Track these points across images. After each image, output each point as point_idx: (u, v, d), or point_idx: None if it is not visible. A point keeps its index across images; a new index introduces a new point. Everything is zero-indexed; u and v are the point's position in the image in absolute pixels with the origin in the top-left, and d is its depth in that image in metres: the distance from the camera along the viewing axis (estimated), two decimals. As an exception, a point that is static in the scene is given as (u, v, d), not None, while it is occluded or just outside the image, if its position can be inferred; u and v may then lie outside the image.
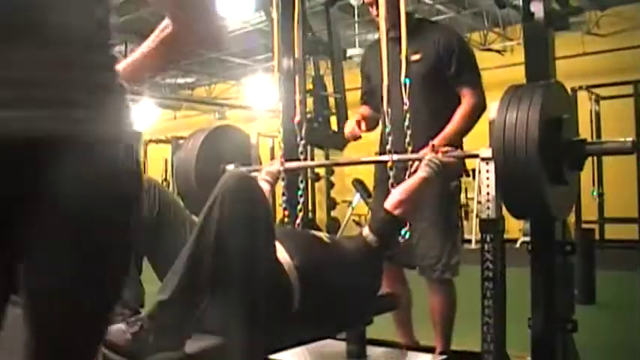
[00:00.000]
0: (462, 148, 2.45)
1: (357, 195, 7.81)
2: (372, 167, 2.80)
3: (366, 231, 2.02)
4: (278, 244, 1.81)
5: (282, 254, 1.79)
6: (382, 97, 2.30)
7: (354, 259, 1.97)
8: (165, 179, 12.22)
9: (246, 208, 1.56)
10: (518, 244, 7.62)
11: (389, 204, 2.04)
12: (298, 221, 2.46)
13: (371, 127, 2.67)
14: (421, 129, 2.32)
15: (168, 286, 1.54)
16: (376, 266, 2.06)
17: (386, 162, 2.23)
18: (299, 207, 2.46)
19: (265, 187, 2.37)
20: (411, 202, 2.10)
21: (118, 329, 1.51)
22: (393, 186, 2.17)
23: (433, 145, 2.17)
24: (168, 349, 1.51)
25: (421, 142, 2.26)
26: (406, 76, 2.29)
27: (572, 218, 6.25)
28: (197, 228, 1.58)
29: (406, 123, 2.17)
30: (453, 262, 2.46)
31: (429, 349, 2.50)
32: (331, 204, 8.23)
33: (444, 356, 2.38)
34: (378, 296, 2.16)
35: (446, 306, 2.51)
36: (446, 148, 2.14)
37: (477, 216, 9.01)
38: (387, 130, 2.20)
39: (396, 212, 2.03)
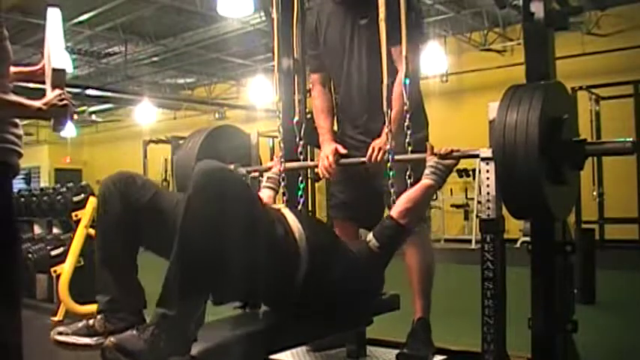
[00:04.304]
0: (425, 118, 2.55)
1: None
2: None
3: (370, 236, 2.01)
4: (292, 216, 1.85)
5: (294, 224, 1.82)
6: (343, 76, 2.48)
7: (357, 256, 1.97)
8: (165, 179, 12.22)
9: (218, 202, 1.54)
10: (518, 244, 7.62)
11: (395, 212, 2.02)
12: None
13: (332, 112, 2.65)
14: (375, 98, 2.26)
15: (172, 300, 1.53)
16: (377, 271, 2.05)
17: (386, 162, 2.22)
18: (299, 207, 2.46)
19: (269, 193, 2.39)
20: (418, 211, 2.09)
21: (132, 336, 1.50)
22: (392, 186, 2.17)
23: (433, 147, 2.15)
24: (176, 354, 1.52)
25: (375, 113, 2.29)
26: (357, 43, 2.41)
27: (572, 218, 6.25)
28: (178, 233, 1.55)
29: (406, 123, 2.16)
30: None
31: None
32: (331, 204, 8.21)
33: (444, 356, 2.38)
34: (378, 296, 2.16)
35: (422, 258, 2.44)
36: (445, 150, 2.12)
37: (477, 216, 9.02)
38: (386, 129, 2.19)
39: (403, 222, 2.01)
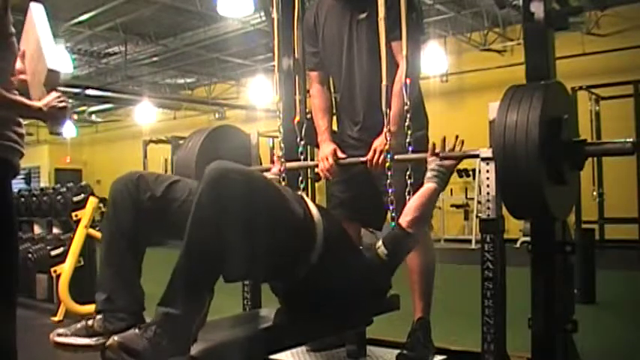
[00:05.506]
0: (426, 117, 2.54)
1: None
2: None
3: (379, 244, 2.00)
4: (312, 203, 1.88)
5: (314, 210, 1.84)
6: (343, 76, 2.50)
7: (367, 259, 1.98)
8: (165, 179, 12.20)
9: (228, 200, 1.54)
10: (518, 244, 7.62)
11: (405, 221, 2.02)
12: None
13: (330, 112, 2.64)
14: (375, 95, 2.24)
15: (176, 298, 1.53)
16: (384, 277, 2.06)
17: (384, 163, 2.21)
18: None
19: None
20: (426, 217, 2.10)
21: (134, 334, 1.50)
22: (390, 186, 2.16)
23: (434, 147, 2.15)
24: (178, 354, 1.52)
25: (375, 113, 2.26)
26: (356, 38, 2.43)
27: (572, 218, 6.25)
28: (187, 230, 1.54)
29: (407, 123, 2.15)
30: None
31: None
32: (331, 204, 8.22)
33: (444, 356, 2.38)
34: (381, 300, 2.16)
35: (423, 258, 2.43)
36: (447, 150, 2.12)
37: (477, 216, 9.02)
38: (385, 129, 2.19)
39: (412, 231, 2.00)
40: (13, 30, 1.74)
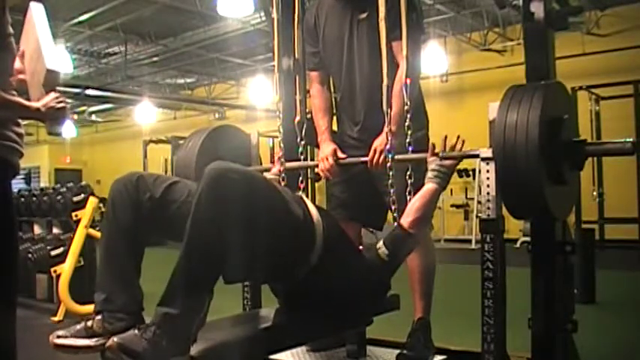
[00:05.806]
0: (426, 117, 2.54)
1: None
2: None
3: (380, 244, 2.01)
4: (311, 204, 1.87)
5: (313, 210, 1.83)
6: (344, 77, 2.50)
7: (367, 260, 1.99)
8: (165, 179, 12.20)
9: (228, 200, 1.54)
10: (518, 244, 7.62)
11: (406, 222, 2.02)
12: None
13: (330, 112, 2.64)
14: (375, 95, 2.23)
15: (176, 298, 1.53)
16: (384, 277, 2.06)
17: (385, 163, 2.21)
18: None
19: None
20: (428, 218, 2.11)
21: (133, 335, 1.50)
22: (392, 186, 2.16)
23: (434, 147, 2.14)
24: (177, 354, 1.52)
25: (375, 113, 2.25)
26: (357, 38, 2.43)
27: (572, 218, 6.25)
28: (186, 231, 1.54)
29: (407, 123, 2.15)
30: None
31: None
32: (331, 204, 8.21)
33: (444, 356, 2.38)
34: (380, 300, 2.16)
35: (423, 258, 2.43)
36: (448, 150, 2.12)
37: (477, 216, 9.02)
38: (386, 129, 2.19)
39: (414, 231, 2.01)
40: (11, 30, 1.74)
